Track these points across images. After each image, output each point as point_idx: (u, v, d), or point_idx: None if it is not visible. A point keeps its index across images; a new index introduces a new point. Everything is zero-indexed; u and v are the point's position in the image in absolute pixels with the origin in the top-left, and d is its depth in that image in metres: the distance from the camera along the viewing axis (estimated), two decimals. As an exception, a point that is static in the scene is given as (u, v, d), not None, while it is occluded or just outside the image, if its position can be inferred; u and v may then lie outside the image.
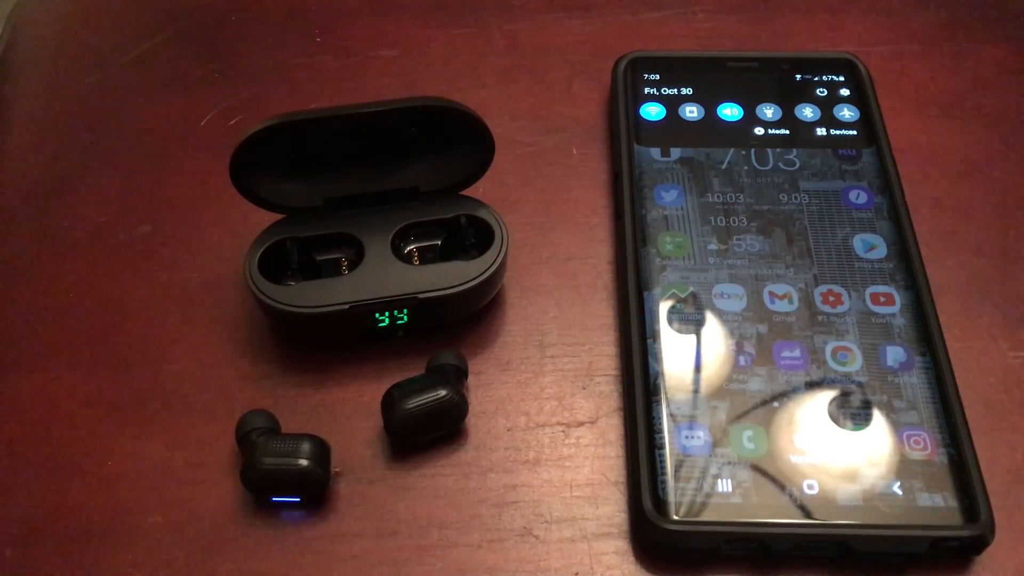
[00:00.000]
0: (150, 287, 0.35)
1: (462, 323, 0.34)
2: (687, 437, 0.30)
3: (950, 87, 0.41)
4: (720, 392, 0.31)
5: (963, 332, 0.34)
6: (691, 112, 0.38)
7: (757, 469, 0.29)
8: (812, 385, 0.31)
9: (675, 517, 0.28)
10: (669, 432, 0.30)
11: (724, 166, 0.37)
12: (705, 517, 0.28)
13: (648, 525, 0.28)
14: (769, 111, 0.38)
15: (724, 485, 0.29)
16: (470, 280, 0.32)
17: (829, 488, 0.29)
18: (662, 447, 0.30)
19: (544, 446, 0.32)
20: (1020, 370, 0.33)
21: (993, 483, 0.29)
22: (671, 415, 0.30)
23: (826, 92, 0.39)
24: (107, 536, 0.30)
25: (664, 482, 0.29)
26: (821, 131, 0.38)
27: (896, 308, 0.33)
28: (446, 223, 0.34)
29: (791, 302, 0.33)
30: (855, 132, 0.38)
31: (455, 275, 0.32)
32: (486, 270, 0.32)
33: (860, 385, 0.31)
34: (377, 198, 0.34)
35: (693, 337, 0.32)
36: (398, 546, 0.30)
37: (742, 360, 0.32)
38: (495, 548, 0.30)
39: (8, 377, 0.33)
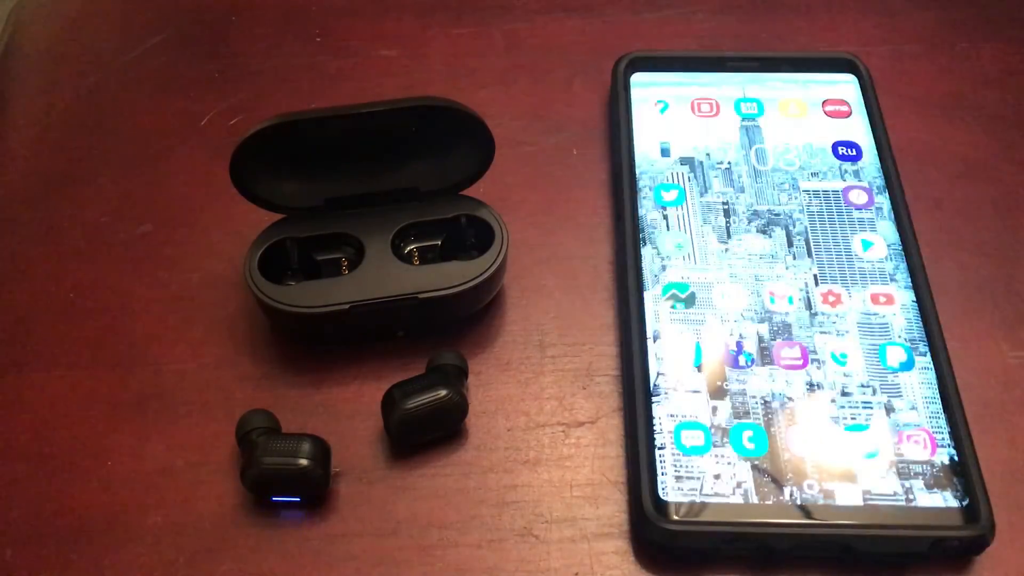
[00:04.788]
0: (150, 287, 0.35)
1: (462, 323, 0.34)
2: (687, 437, 0.30)
3: (950, 87, 0.41)
4: (720, 392, 0.31)
5: (963, 332, 0.34)
6: (691, 111, 0.38)
7: (757, 469, 0.29)
8: (812, 385, 0.31)
9: (675, 517, 0.28)
10: (669, 432, 0.30)
11: (724, 166, 0.37)
12: (705, 517, 0.28)
13: (648, 525, 0.28)
14: (770, 111, 0.38)
15: (724, 485, 0.29)
16: (470, 280, 0.32)
17: (829, 488, 0.29)
18: (662, 447, 0.30)
19: (544, 446, 0.32)
20: (1020, 370, 0.33)
21: (993, 483, 0.29)
22: (671, 415, 0.30)
23: (826, 91, 0.39)
24: (107, 536, 0.30)
25: (664, 482, 0.29)
26: (821, 130, 0.38)
27: (896, 308, 0.33)
28: (446, 223, 0.34)
29: (791, 302, 0.33)
30: (855, 131, 0.38)
31: (455, 275, 0.32)
32: (486, 270, 0.32)
33: (860, 385, 0.31)
34: (377, 198, 0.34)
35: (693, 337, 0.32)
36: (398, 546, 0.30)
37: (742, 360, 0.32)
38: (495, 548, 0.30)
39: (8, 377, 0.33)
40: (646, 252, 0.34)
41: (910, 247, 0.34)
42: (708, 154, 0.37)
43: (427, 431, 0.31)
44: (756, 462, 0.29)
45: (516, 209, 0.37)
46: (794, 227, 0.35)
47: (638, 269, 0.34)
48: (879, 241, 0.34)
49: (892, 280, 0.33)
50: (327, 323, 0.32)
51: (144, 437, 0.32)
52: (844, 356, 0.32)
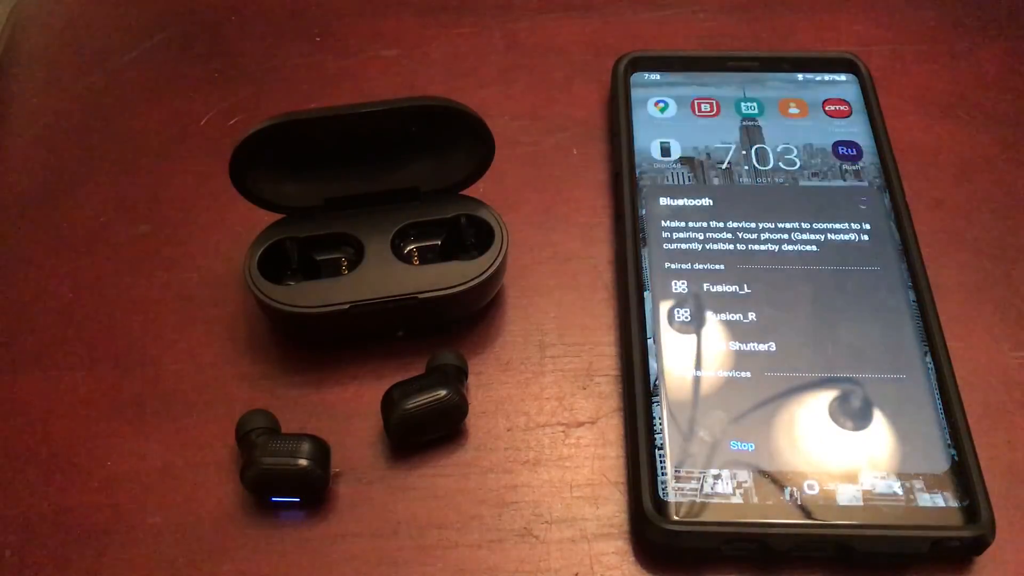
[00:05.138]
0: (150, 287, 0.35)
1: (462, 323, 0.34)
2: (687, 437, 0.30)
3: (950, 87, 0.41)
4: (720, 392, 0.31)
5: (963, 332, 0.34)
6: (691, 111, 0.38)
7: (757, 469, 0.29)
8: (812, 385, 0.31)
9: (675, 517, 0.28)
10: (669, 432, 0.30)
11: (724, 166, 0.37)
12: (705, 517, 0.28)
13: (648, 525, 0.28)
14: (770, 111, 0.38)
15: (724, 485, 0.29)
16: (470, 280, 0.32)
17: (829, 488, 0.29)
18: (662, 447, 0.30)
19: (544, 446, 0.32)
20: (1020, 370, 0.33)
21: (993, 483, 0.29)
22: (671, 415, 0.30)
23: (827, 91, 0.39)
24: (107, 536, 0.30)
25: (664, 482, 0.29)
26: (822, 130, 0.38)
27: (896, 309, 0.33)
28: (446, 223, 0.34)
29: (792, 302, 0.33)
30: (855, 131, 0.38)
31: (455, 275, 0.32)
32: (486, 270, 0.32)
33: (860, 385, 0.31)
34: (377, 198, 0.34)
35: (693, 337, 0.32)
36: (398, 546, 0.30)
37: (742, 360, 0.32)
38: (495, 548, 0.30)
39: (8, 377, 0.33)
40: (646, 252, 0.34)
41: (910, 247, 0.34)
42: (708, 154, 0.37)
43: (427, 431, 0.31)
44: (756, 462, 0.29)
45: (516, 209, 0.37)
46: (794, 226, 0.35)
47: (638, 269, 0.34)
48: (880, 241, 0.34)
49: (892, 280, 0.33)
50: (327, 323, 0.32)
51: (144, 437, 0.32)
52: (845, 356, 0.32)
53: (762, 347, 0.32)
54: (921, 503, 0.28)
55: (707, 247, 0.34)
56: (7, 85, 0.43)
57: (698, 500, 0.29)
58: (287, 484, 0.29)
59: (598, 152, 0.39)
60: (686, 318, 0.33)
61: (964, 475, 0.29)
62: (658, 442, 0.30)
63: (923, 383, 0.31)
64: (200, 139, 0.40)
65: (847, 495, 0.29)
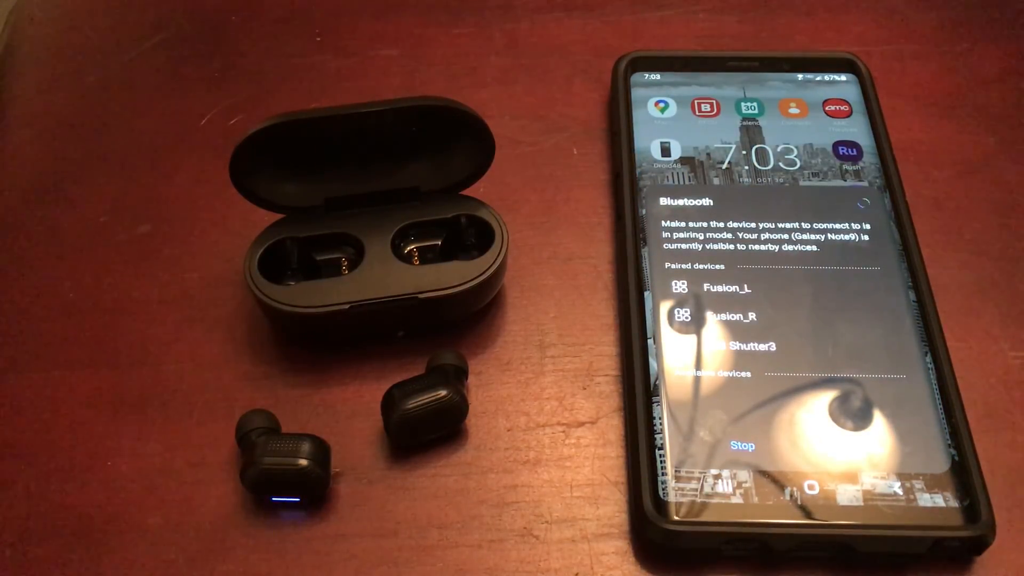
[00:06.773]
0: (150, 287, 0.35)
1: (462, 323, 0.34)
2: (687, 437, 0.30)
3: (950, 87, 0.41)
4: (720, 392, 0.31)
5: (963, 332, 0.34)
6: (692, 111, 0.38)
7: (757, 469, 0.29)
8: (812, 385, 0.31)
9: (675, 517, 0.28)
10: (669, 432, 0.30)
11: (724, 166, 0.37)
12: (705, 517, 0.28)
13: (648, 525, 0.28)
14: (770, 111, 0.38)
15: (724, 485, 0.29)
16: (470, 280, 0.32)
17: (829, 488, 0.29)
18: (662, 447, 0.30)
19: (544, 446, 0.32)
20: (1020, 370, 0.33)
21: (994, 483, 0.29)
22: (671, 415, 0.30)
23: (827, 91, 0.39)
24: (107, 536, 0.30)
25: (664, 482, 0.29)
26: (822, 130, 0.38)
27: (896, 309, 0.33)
28: (446, 223, 0.34)
29: (792, 302, 0.33)
30: (855, 131, 0.38)
31: (455, 275, 0.32)
32: (486, 270, 0.32)
33: (860, 385, 0.31)
34: (377, 198, 0.34)
35: (693, 337, 0.32)
36: (398, 546, 0.30)
37: (742, 360, 0.32)
38: (495, 548, 0.30)
39: (8, 377, 0.33)
40: (646, 252, 0.34)
41: (910, 247, 0.34)
42: (708, 154, 0.37)
43: (427, 431, 0.31)
44: (756, 462, 0.29)
45: (516, 209, 0.37)
46: (794, 226, 0.35)
47: (638, 269, 0.34)
48: (879, 241, 0.34)
49: (892, 280, 0.33)
50: (327, 323, 0.32)
51: (144, 437, 0.32)
52: (845, 356, 0.32)
53: (762, 347, 0.32)
54: (921, 503, 0.28)
55: (707, 247, 0.34)
56: (7, 85, 0.43)
57: (698, 500, 0.29)
58: (287, 484, 0.29)
59: (598, 152, 0.39)
60: (686, 318, 0.33)
61: (964, 475, 0.29)
62: (658, 442, 0.30)
63: (923, 383, 0.31)
64: (200, 139, 0.40)
65: (847, 495, 0.29)
